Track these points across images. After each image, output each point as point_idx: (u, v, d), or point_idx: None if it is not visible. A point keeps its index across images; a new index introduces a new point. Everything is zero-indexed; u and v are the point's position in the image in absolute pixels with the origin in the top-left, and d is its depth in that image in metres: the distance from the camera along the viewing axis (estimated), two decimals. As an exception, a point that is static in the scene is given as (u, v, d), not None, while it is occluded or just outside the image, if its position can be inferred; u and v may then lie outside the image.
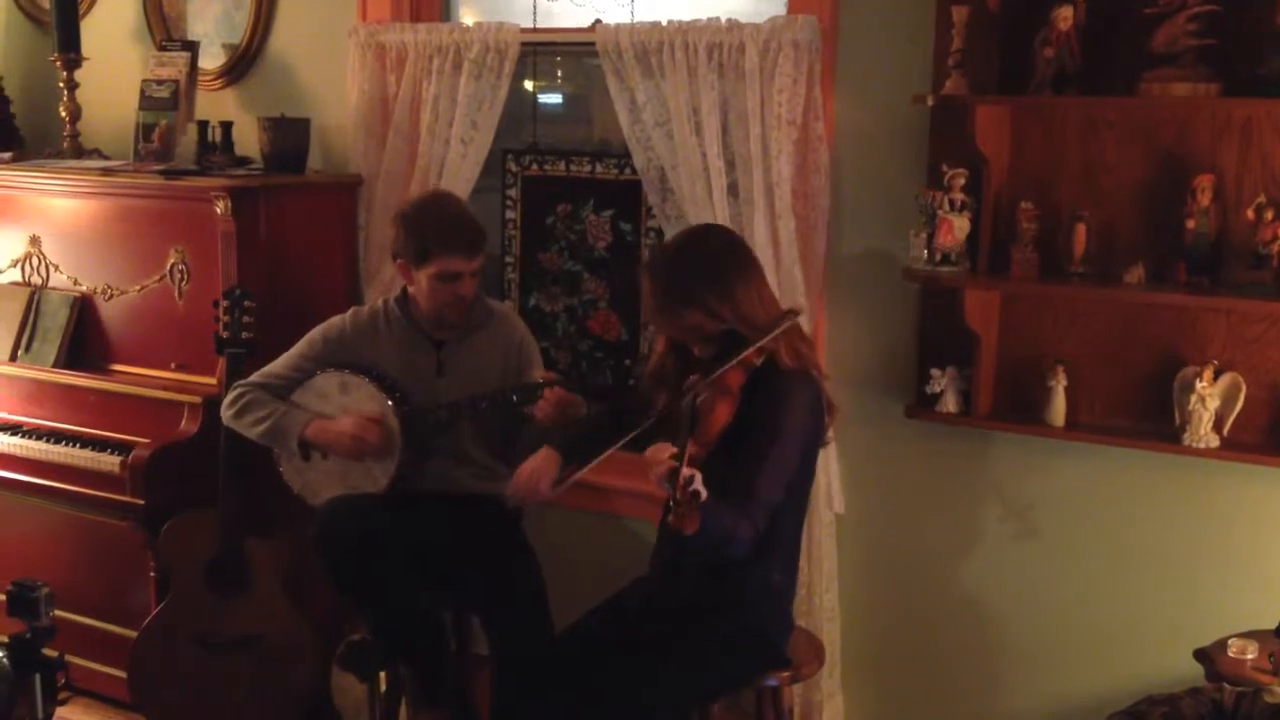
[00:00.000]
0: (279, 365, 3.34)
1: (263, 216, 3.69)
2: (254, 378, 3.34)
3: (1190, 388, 2.98)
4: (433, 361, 3.31)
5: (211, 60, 4.27)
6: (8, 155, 4.29)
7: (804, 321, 3.30)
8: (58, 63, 4.25)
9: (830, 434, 2.92)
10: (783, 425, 2.67)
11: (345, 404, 3.25)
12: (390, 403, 3.22)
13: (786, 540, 2.84)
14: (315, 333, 3.37)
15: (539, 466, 2.94)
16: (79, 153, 4.29)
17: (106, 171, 3.95)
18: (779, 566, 2.82)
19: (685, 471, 2.36)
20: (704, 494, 2.39)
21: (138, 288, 3.87)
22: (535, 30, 3.80)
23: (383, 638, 3.26)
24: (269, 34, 4.18)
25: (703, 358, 2.74)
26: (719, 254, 2.75)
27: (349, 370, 3.28)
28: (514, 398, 3.11)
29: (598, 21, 3.63)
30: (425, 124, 3.78)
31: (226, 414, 3.33)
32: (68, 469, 3.75)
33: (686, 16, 3.37)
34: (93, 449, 3.72)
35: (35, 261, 4.09)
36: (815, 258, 3.36)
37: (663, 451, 2.48)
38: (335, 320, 3.38)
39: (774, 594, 2.83)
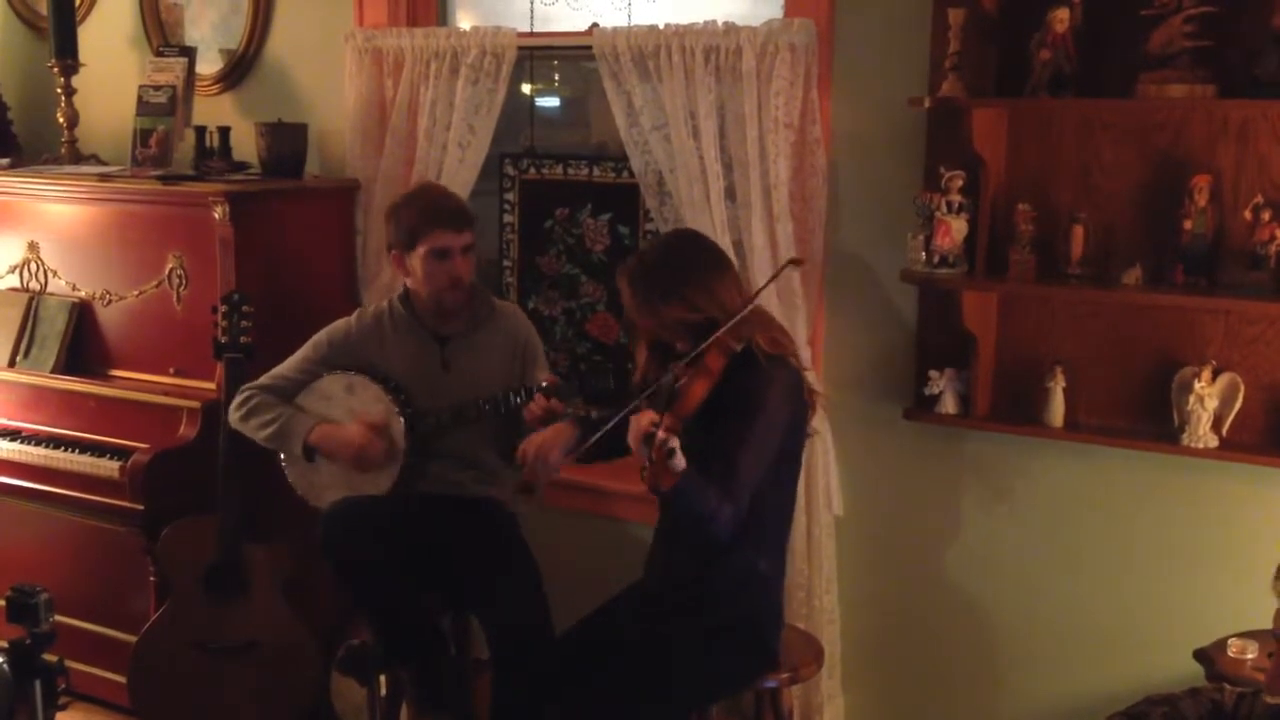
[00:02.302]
0: (285, 368, 3.35)
1: (260, 221, 3.69)
2: (261, 380, 3.35)
3: (1189, 388, 2.98)
4: (438, 357, 3.32)
5: (209, 65, 4.27)
6: (5, 161, 4.29)
7: (802, 324, 3.31)
8: (55, 68, 4.25)
9: (816, 425, 2.93)
10: (761, 406, 2.70)
11: (351, 405, 3.26)
12: (394, 405, 3.22)
13: (773, 529, 2.84)
14: (320, 335, 3.38)
15: (548, 437, 2.93)
16: (76, 158, 4.29)
17: (104, 177, 3.95)
18: (765, 556, 2.83)
19: (661, 435, 2.43)
20: (681, 461, 2.47)
21: (136, 293, 3.87)
22: (532, 34, 3.80)
23: (383, 640, 3.26)
24: (266, 39, 4.18)
25: (685, 352, 2.76)
26: (692, 252, 2.83)
27: (354, 371, 3.29)
28: (515, 400, 3.12)
29: (595, 25, 3.63)
30: (423, 128, 3.78)
31: (234, 417, 3.33)
32: (67, 474, 3.75)
33: (683, 20, 3.38)
34: (92, 454, 3.72)
35: (33, 267, 4.09)
36: (813, 260, 3.36)
37: (644, 417, 2.53)
38: (340, 323, 3.40)
39: (761, 584, 2.83)
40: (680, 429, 2.52)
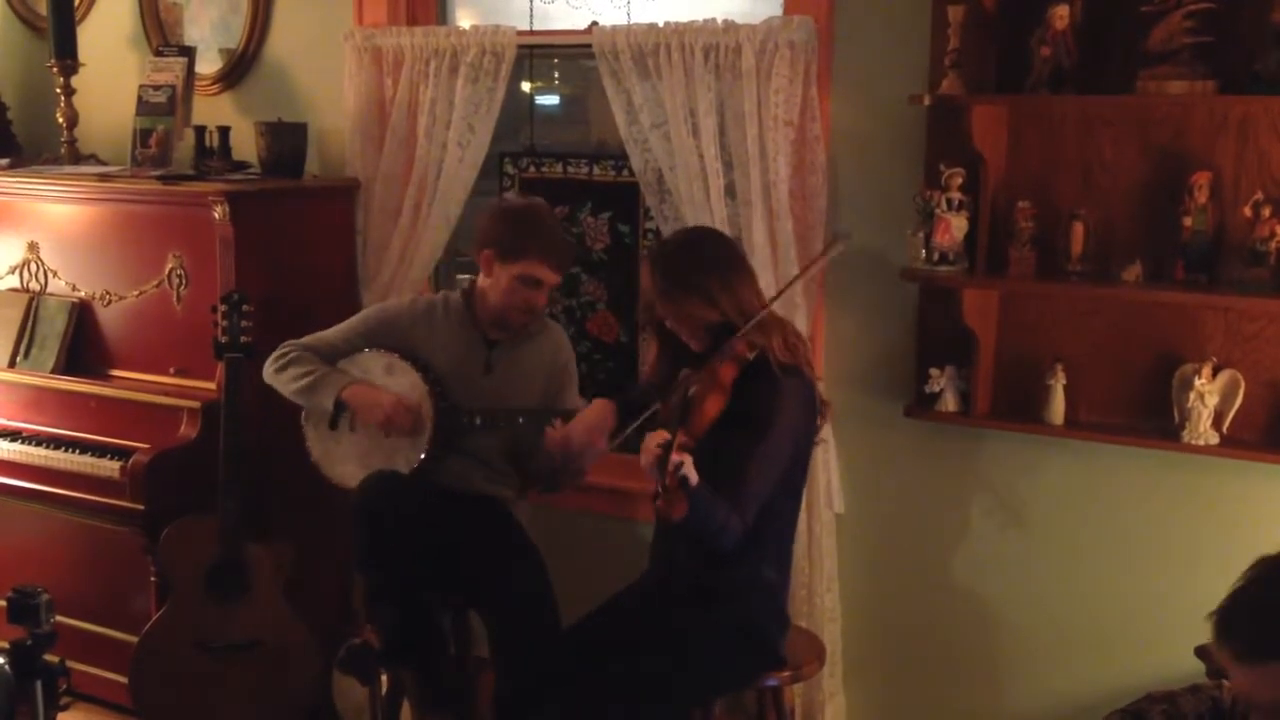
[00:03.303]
0: (330, 334, 3.37)
1: (260, 221, 3.69)
2: (303, 340, 3.36)
3: (1189, 385, 2.98)
4: (482, 359, 3.33)
5: (208, 65, 4.27)
6: (5, 161, 4.28)
7: (802, 322, 3.31)
8: (54, 69, 4.24)
9: (824, 434, 2.93)
10: (774, 420, 2.69)
11: (387, 385, 3.27)
12: (430, 395, 3.23)
13: (779, 537, 2.85)
14: (372, 311, 3.42)
15: (594, 419, 2.93)
16: (76, 158, 4.28)
17: (104, 177, 3.95)
18: (771, 563, 2.83)
19: (674, 458, 2.41)
20: (694, 479, 2.44)
21: (136, 293, 3.87)
22: (532, 33, 3.79)
23: (385, 637, 3.25)
24: (265, 38, 4.18)
25: (698, 351, 2.76)
26: (719, 249, 2.85)
27: (398, 355, 3.30)
28: (554, 421, 3.11)
29: (594, 24, 3.63)
30: (422, 127, 3.78)
31: (269, 369, 3.33)
32: (67, 475, 3.74)
33: (683, 18, 3.37)
34: (92, 454, 3.72)
35: (33, 267, 4.09)
36: (812, 258, 3.36)
37: (654, 439, 2.51)
38: (394, 303, 3.45)
39: (767, 590, 2.85)
40: (693, 447, 2.50)
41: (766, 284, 3.27)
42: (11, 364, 4.01)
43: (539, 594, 3.13)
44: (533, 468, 3.32)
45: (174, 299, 3.80)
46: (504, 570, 3.15)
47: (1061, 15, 2.93)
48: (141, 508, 3.59)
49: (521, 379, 3.32)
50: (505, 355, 3.34)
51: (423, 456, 3.23)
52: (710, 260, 2.78)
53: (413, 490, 3.20)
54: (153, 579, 3.68)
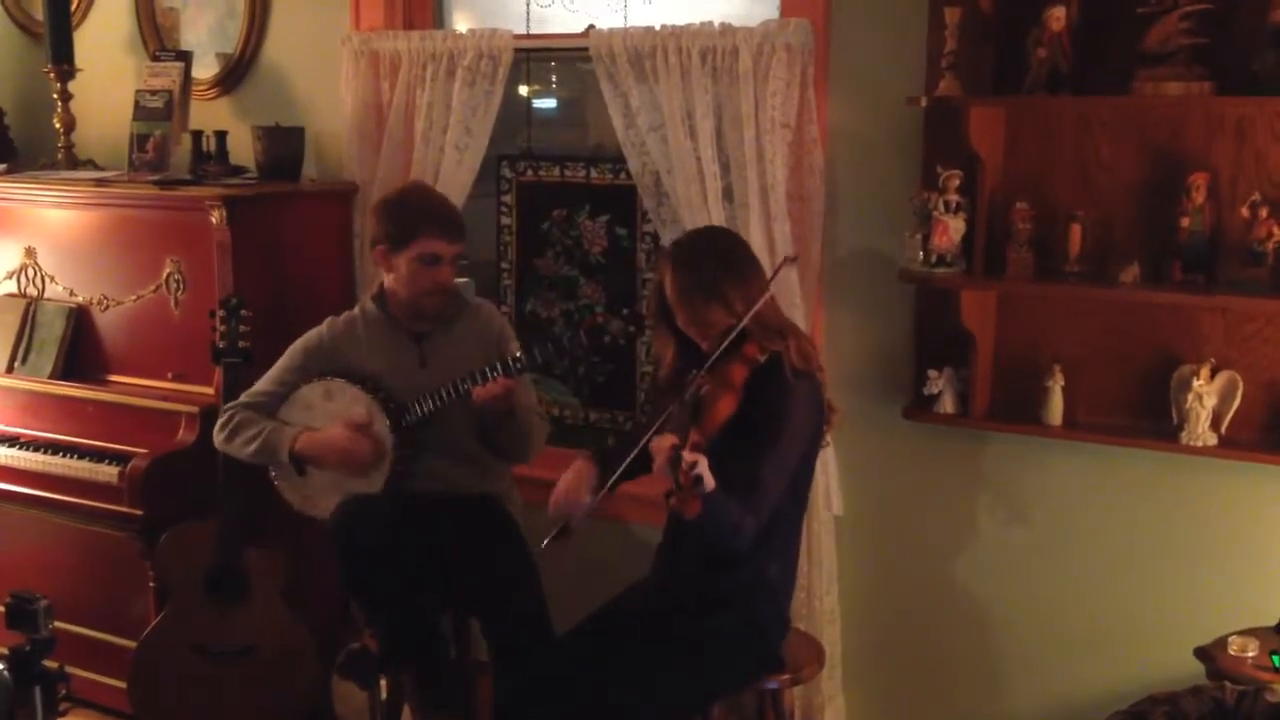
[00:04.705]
0: (264, 383, 3.34)
1: (258, 225, 3.69)
2: (241, 398, 3.33)
3: (1187, 386, 2.98)
4: (415, 355, 3.31)
5: (205, 70, 4.27)
6: (2, 167, 4.29)
7: (801, 323, 3.31)
8: (51, 74, 4.24)
9: (829, 437, 2.94)
10: (786, 421, 2.71)
11: (331, 410, 3.24)
12: (376, 403, 3.21)
13: (783, 538, 2.86)
14: (295, 346, 3.37)
15: (571, 481, 2.92)
16: (73, 164, 4.29)
17: (101, 182, 3.95)
18: (776, 563, 2.84)
19: (689, 457, 2.41)
20: (709, 480, 2.44)
21: (134, 298, 3.86)
22: (529, 36, 3.80)
23: (384, 642, 3.25)
24: (262, 43, 4.18)
25: (708, 351, 2.77)
26: (739, 253, 2.84)
27: (331, 377, 3.27)
28: (494, 375, 3.08)
29: (591, 27, 3.63)
30: (420, 131, 3.78)
31: (219, 439, 3.32)
32: (65, 480, 3.74)
33: (679, 21, 3.37)
34: (90, 460, 3.71)
35: (31, 273, 4.09)
36: (811, 260, 3.36)
37: (666, 440, 2.51)
38: (312, 332, 3.38)
39: (770, 590, 2.85)
40: (705, 447, 2.51)
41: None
42: (9, 369, 4.01)
43: (530, 599, 3.11)
44: (501, 439, 3.28)
45: (171, 304, 3.80)
46: (495, 576, 3.13)
47: (1058, 16, 2.93)
48: (140, 513, 3.59)
49: (459, 362, 3.25)
50: (436, 344, 3.32)
51: (391, 463, 3.20)
52: (731, 265, 2.77)
53: (393, 503, 3.18)
54: (151, 584, 3.67)
